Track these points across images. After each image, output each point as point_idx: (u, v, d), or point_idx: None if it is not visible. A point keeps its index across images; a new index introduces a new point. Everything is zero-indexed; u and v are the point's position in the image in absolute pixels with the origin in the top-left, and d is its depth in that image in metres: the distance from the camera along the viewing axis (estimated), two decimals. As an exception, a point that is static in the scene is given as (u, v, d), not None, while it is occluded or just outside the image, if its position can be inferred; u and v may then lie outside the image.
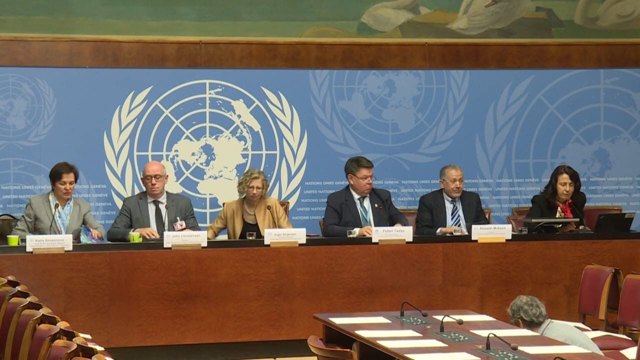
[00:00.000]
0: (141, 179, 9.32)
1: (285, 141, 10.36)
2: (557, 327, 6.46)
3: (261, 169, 9.79)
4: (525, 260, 9.15)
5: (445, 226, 9.52)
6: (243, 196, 9.39)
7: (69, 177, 8.92)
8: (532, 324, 6.47)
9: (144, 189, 9.29)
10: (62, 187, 8.90)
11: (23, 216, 8.98)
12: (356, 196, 9.49)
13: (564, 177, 9.69)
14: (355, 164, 9.50)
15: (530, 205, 9.91)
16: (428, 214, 9.58)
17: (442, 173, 9.70)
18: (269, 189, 9.68)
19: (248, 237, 8.94)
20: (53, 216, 8.83)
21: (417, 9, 11.10)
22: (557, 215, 9.68)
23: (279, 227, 9.20)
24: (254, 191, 9.26)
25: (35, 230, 8.85)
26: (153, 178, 9.16)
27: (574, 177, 9.74)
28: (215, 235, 9.41)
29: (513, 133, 10.90)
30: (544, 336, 6.33)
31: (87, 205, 9.12)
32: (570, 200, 9.70)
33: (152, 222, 9.15)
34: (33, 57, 10.25)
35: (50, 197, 8.96)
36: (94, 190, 10.05)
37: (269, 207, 9.29)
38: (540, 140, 10.94)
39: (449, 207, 9.63)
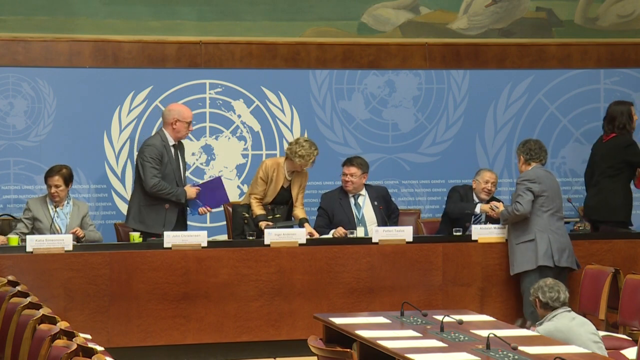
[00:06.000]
0: (175, 119, 8.97)
1: (286, 141, 10.32)
2: (568, 317, 6.50)
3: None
4: (525, 260, 9.14)
5: (470, 221, 9.40)
6: (286, 158, 9.30)
7: (52, 180, 8.84)
8: (547, 307, 6.54)
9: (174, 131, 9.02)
10: (49, 190, 8.88)
11: (21, 219, 8.94)
12: (350, 194, 9.48)
13: None
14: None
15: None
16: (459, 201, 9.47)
17: (477, 174, 9.56)
18: None
19: (248, 237, 8.94)
20: (52, 217, 8.82)
21: (417, 9, 11.10)
22: None
23: (296, 195, 9.33)
24: (309, 165, 9.28)
25: (35, 230, 8.84)
26: (190, 124, 9.06)
27: None
28: (260, 201, 9.29)
29: (513, 133, 10.89)
30: (544, 336, 6.34)
31: (85, 206, 9.07)
32: None
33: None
34: (33, 57, 10.25)
35: (48, 199, 8.93)
36: (94, 190, 10.05)
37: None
38: (541, 140, 10.92)
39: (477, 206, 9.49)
